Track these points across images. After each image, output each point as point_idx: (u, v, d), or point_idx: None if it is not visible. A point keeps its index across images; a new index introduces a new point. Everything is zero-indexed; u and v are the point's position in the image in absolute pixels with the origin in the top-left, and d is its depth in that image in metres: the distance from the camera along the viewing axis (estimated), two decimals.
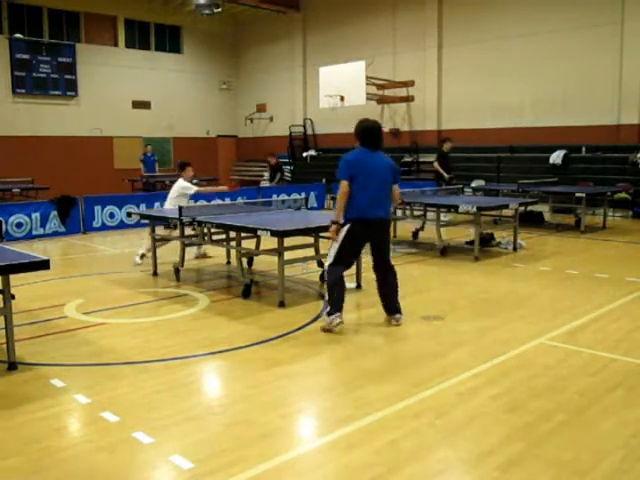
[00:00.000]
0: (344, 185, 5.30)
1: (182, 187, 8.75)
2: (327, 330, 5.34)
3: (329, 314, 5.37)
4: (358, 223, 5.35)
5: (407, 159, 18.59)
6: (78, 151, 20.04)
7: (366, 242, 5.56)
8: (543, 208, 12.65)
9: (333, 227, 5.37)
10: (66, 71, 19.83)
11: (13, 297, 4.43)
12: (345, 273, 5.50)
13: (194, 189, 8.80)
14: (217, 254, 9.09)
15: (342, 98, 16.89)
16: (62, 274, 8.07)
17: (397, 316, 5.59)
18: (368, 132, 5.51)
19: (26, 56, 19.03)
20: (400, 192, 5.76)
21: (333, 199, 14.73)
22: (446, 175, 12.58)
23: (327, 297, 5.48)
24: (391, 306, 5.62)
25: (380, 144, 5.55)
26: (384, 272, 5.62)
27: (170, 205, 8.69)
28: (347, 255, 5.49)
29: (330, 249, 5.50)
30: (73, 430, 3.66)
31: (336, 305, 5.38)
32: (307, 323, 5.62)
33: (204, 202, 9.91)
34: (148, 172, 18.61)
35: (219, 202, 10.70)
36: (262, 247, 7.64)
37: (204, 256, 9.16)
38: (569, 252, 9.44)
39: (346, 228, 5.36)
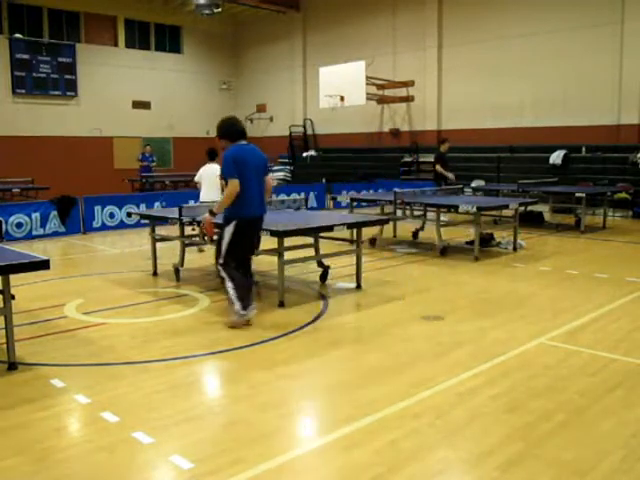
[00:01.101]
0: (235, 185, 5.20)
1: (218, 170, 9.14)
2: (233, 327, 5.37)
3: (244, 308, 5.34)
4: (245, 221, 5.34)
5: (407, 159, 18.63)
6: (78, 151, 20.05)
7: (253, 237, 5.58)
8: (543, 208, 12.64)
9: (207, 216, 5.38)
10: (66, 71, 19.85)
11: (13, 297, 4.43)
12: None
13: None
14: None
15: (342, 98, 16.91)
16: (62, 274, 8.07)
17: (254, 305, 5.56)
18: (233, 126, 5.48)
19: (26, 56, 19.05)
20: (272, 182, 5.70)
21: (334, 199, 14.76)
22: (450, 176, 12.55)
23: (234, 296, 5.35)
24: (251, 297, 5.57)
25: (246, 132, 5.56)
26: (250, 266, 5.63)
27: (212, 191, 9.02)
28: (238, 251, 5.43)
29: (220, 247, 5.43)
30: (73, 430, 3.66)
31: (245, 301, 5.36)
32: (307, 323, 5.61)
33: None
34: (144, 172, 18.45)
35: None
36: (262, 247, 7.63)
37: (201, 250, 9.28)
38: (569, 252, 9.44)
39: (233, 225, 5.32)
